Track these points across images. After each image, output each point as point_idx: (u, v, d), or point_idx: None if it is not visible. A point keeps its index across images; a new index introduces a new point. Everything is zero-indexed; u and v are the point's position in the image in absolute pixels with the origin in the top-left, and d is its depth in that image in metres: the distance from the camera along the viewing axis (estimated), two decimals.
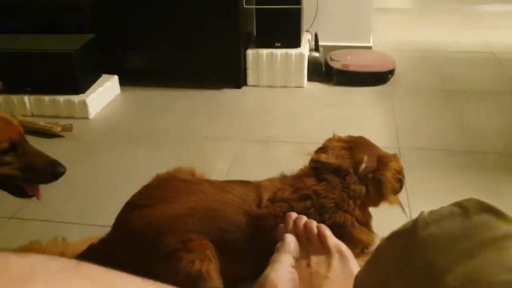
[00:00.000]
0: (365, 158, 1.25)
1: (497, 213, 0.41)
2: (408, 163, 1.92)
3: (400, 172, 1.29)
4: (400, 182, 1.29)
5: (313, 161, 1.31)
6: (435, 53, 3.26)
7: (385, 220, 1.37)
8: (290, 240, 0.56)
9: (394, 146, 2.04)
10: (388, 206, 1.29)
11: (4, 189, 1.19)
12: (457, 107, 2.43)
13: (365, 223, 1.26)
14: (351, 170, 1.24)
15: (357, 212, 1.22)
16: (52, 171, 1.16)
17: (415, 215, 1.55)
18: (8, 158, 1.11)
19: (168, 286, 0.35)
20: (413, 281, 0.42)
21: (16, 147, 1.13)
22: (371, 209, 1.32)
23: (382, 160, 1.27)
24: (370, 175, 1.24)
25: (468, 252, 0.39)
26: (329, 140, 1.36)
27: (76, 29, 2.58)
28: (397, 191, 1.29)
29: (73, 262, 0.33)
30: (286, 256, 0.55)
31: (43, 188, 1.24)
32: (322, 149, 1.33)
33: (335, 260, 0.60)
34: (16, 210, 1.70)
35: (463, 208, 0.43)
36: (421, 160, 1.95)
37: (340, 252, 0.61)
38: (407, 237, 0.43)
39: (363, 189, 1.23)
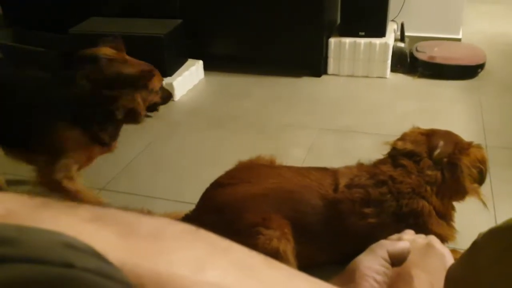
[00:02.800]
0: (441, 143, 1.23)
1: None
2: (495, 162, 1.82)
3: (482, 161, 1.24)
4: (481, 172, 1.24)
5: (391, 149, 1.30)
6: None
7: (469, 218, 1.33)
8: (401, 244, 0.56)
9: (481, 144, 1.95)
10: (470, 199, 1.24)
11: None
12: None
13: (444, 215, 1.22)
14: (425, 154, 1.21)
15: (434, 199, 1.19)
16: (170, 97, 1.71)
17: (499, 216, 1.49)
18: (160, 92, 1.60)
19: (272, 259, 0.38)
20: None
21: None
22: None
23: (461, 146, 1.23)
24: (445, 160, 1.21)
25: None
26: (409, 130, 1.34)
27: (166, 14, 2.69)
28: (476, 180, 1.24)
29: (193, 227, 0.37)
30: (383, 250, 0.55)
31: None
32: (401, 138, 1.31)
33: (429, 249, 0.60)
34: (107, 182, 1.84)
35: None
36: (509, 160, 1.85)
37: (431, 243, 0.61)
38: (509, 233, 0.42)
39: (439, 175, 1.20)
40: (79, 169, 1.50)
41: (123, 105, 1.42)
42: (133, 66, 1.50)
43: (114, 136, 1.52)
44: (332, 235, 1.23)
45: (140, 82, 1.45)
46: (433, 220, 1.17)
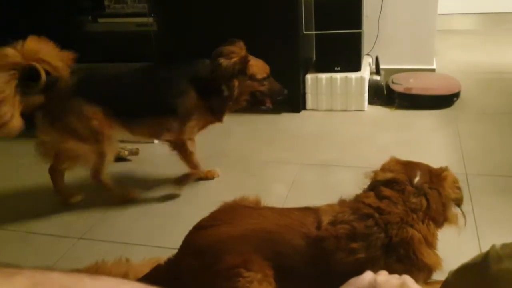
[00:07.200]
0: (419, 171, 1.23)
1: None
2: (476, 190, 1.83)
3: (457, 181, 1.26)
4: (460, 190, 1.26)
5: (371, 181, 1.28)
6: (504, 75, 3.11)
7: (454, 247, 1.31)
8: (367, 276, 0.54)
9: (461, 172, 1.95)
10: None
11: (254, 104, 2.01)
12: None
13: (431, 243, 1.20)
14: (407, 182, 1.21)
15: (421, 227, 1.17)
16: (282, 91, 2.02)
17: (484, 245, 1.48)
18: (265, 82, 1.96)
19: None
20: None
21: (269, 77, 1.98)
22: None
23: (435, 172, 1.24)
24: (426, 185, 1.20)
25: None
26: (387, 161, 1.34)
27: (143, 58, 2.70)
28: (460, 200, 1.26)
29: (143, 285, 0.35)
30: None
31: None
32: (380, 169, 1.30)
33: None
34: (85, 231, 1.79)
35: None
36: (490, 188, 1.85)
37: (405, 283, 0.58)
38: (479, 271, 0.41)
39: (423, 201, 1.19)
40: (197, 132, 1.97)
41: (228, 86, 1.86)
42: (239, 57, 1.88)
43: (222, 109, 1.94)
44: (317, 275, 1.19)
45: (236, 68, 1.85)
46: (423, 249, 1.15)
